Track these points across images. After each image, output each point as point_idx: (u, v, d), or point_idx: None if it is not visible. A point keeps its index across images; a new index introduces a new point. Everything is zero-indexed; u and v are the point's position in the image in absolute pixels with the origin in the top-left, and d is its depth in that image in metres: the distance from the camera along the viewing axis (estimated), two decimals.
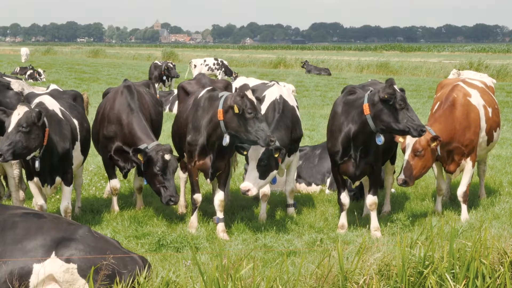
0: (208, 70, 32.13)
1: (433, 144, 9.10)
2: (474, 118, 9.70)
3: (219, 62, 33.15)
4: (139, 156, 9.00)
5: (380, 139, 8.52)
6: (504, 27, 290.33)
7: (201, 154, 8.89)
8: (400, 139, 9.15)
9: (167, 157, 8.95)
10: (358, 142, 8.70)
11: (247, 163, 8.84)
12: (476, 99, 9.90)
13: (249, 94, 8.24)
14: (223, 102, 8.44)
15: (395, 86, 8.32)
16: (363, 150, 8.77)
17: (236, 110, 8.20)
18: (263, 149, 8.58)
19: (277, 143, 8.40)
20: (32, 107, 8.43)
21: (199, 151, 8.87)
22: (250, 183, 8.57)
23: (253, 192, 8.61)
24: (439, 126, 9.35)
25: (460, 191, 9.67)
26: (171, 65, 28.80)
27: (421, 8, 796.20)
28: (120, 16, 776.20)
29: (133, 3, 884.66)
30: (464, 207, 9.67)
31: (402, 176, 8.99)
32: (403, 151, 9.17)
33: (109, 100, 9.99)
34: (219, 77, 31.57)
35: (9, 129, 7.73)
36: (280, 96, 9.57)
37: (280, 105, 9.43)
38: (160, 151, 8.99)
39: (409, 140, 9.04)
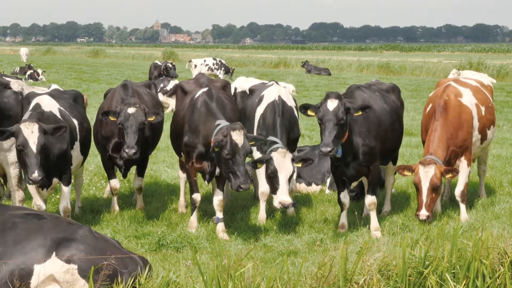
0: (208, 70, 32.25)
1: (448, 176, 9.11)
2: (466, 118, 9.67)
3: (218, 61, 33.33)
4: (111, 118, 9.00)
5: (339, 151, 8.56)
6: (504, 27, 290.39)
7: (199, 157, 8.88)
8: (405, 172, 9.14)
9: (129, 110, 8.91)
10: (343, 147, 8.73)
11: (274, 177, 8.72)
12: (468, 98, 9.86)
13: (234, 134, 8.12)
14: (215, 133, 8.38)
15: (330, 102, 8.35)
16: (349, 154, 8.78)
17: (216, 149, 8.19)
18: (289, 160, 8.66)
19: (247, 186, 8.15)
20: (30, 108, 8.46)
21: (196, 153, 8.86)
22: (288, 196, 8.69)
23: (291, 205, 8.78)
24: (441, 145, 9.30)
25: (458, 190, 9.67)
26: (170, 65, 28.85)
27: (421, 8, 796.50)
28: (120, 16, 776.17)
29: (133, 3, 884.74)
30: (462, 206, 9.65)
31: (426, 213, 8.87)
32: (416, 185, 9.07)
33: (107, 100, 10.07)
34: (220, 76, 31.68)
35: (34, 150, 7.72)
36: (279, 97, 9.57)
37: (280, 106, 9.44)
38: (125, 105, 8.98)
39: (423, 175, 8.97)
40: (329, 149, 8.18)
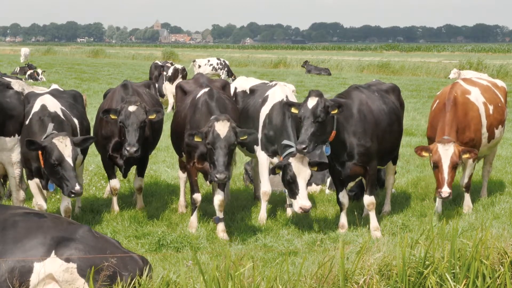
0: (212, 70, 32.35)
1: (465, 156, 9.16)
2: (473, 115, 9.75)
3: (222, 62, 33.38)
4: (111, 116, 9.03)
5: (328, 150, 8.68)
6: (504, 27, 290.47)
7: (200, 157, 8.87)
8: (423, 153, 9.16)
9: (130, 108, 8.96)
10: (333, 146, 8.75)
11: (292, 182, 8.71)
12: (475, 96, 9.98)
13: (218, 125, 8.15)
14: None
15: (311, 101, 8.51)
16: (342, 153, 8.82)
17: (196, 138, 8.28)
18: (307, 164, 8.68)
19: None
20: (36, 109, 8.47)
21: (198, 154, 8.85)
22: (309, 201, 8.69)
23: (311, 207, 8.77)
24: (453, 132, 9.38)
25: (463, 182, 10.13)
26: (170, 65, 28.90)
27: (421, 8, 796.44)
28: (120, 16, 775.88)
29: (133, 3, 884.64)
30: (467, 195, 10.07)
31: (448, 189, 8.95)
32: (435, 164, 9.05)
33: (107, 99, 10.07)
34: (222, 76, 31.75)
35: (71, 163, 7.81)
36: (287, 97, 9.57)
37: None
38: (126, 103, 9.03)
39: (443, 153, 9.00)
40: (303, 146, 8.29)
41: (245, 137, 8.36)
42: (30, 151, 8.17)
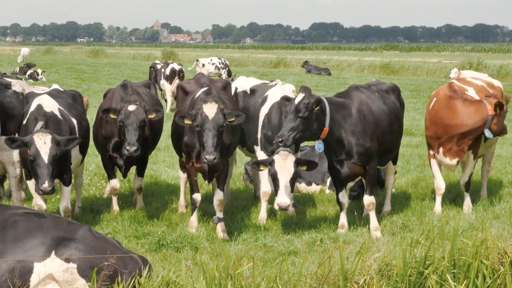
0: (215, 69, 32.65)
1: None
2: None
3: (223, 61, 33.74)
4: (111, 115, 9.05)
5: (320, 147, 8.68)
6: (504, 27, 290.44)
7: (199, 157, 8.87)
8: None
9: (130, 108, 8.99)
10: (331, 145, 8.77)
11: (274, 179, 8.78)
12: (472, 95, 10.00)
13: (206, 107, 8.29)
14: None
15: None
16: (340, 152, 8.82)
17: (186, 121, 8.45)
18: (293, 163, 8.70)
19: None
20: (32, 109, 8.47)
21: (196, 153, 8.85)
22: (287, 198, 8.68)
23: (290, 206, 8.78)
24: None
25: (463, 181, 10.14)
26: (168, 64, 29.02)
27: (421, 8, 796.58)
28: (120, 16, 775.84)
29: (133, 3, 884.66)
30: (467, 195, 10.10)
31: None
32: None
33: (107, 100, 10.08)
34: (223, 76, 32.04)
35: (46, 161, 7.71)
36: None
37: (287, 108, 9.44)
38: (126, 102, 9.07)
39: None
40: (280, 139, 8.39)
41: (233, 119, 8.47)
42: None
